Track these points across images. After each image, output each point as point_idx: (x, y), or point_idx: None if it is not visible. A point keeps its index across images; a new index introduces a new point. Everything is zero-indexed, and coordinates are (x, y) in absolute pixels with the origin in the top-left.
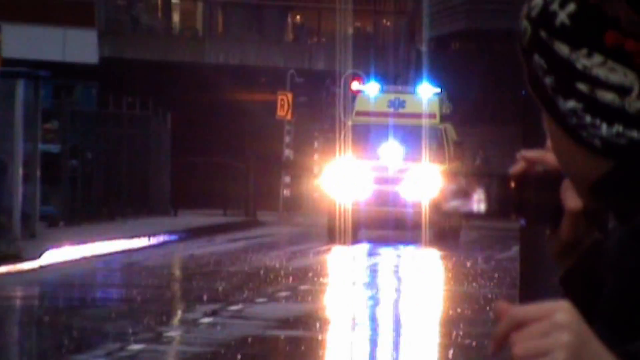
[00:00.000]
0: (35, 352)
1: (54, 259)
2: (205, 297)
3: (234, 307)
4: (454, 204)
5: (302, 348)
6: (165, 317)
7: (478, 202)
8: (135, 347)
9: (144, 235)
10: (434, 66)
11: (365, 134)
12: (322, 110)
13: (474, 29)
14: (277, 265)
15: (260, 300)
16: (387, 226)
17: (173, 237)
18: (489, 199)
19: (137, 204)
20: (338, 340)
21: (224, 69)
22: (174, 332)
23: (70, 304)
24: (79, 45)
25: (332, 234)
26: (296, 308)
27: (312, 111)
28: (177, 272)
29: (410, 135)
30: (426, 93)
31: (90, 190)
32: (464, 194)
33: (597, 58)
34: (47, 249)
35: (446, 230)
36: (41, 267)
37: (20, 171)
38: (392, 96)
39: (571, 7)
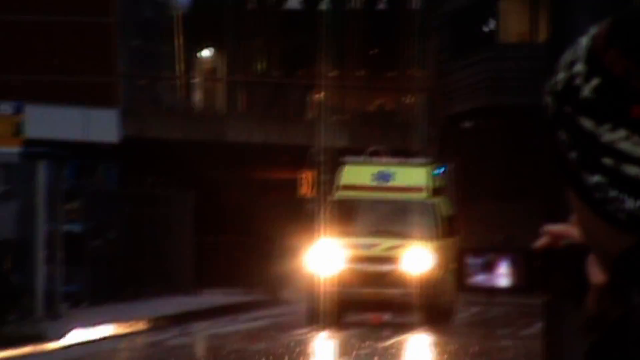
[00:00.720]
0: None
1: (78, 339)
2: None
3: None
4: (478, 279)
5: None
6: None
7: (502, 277)
8: None
9: (168, 315)
10: (456, 142)
11: (350, 210)
12: None
13: (496, 105)
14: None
15: None
16: (374, 309)
17: (196, 316)
18: (513, 274)
19: (160, 283)
20: None
21: (246, 147)
22: None
23: None
24: (100, 125)
25: (313, 318)
26: None
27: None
28: (200, 351)
29: (398, 211)
30: (416, 165)
31: (113, 269)
32: (488, 268)
33: (622, 132)
34: (71, 329)
35: (439, 311)
36: (65, 348)
37: (43, 252)
38: (378, 168)
39: (595, 81)
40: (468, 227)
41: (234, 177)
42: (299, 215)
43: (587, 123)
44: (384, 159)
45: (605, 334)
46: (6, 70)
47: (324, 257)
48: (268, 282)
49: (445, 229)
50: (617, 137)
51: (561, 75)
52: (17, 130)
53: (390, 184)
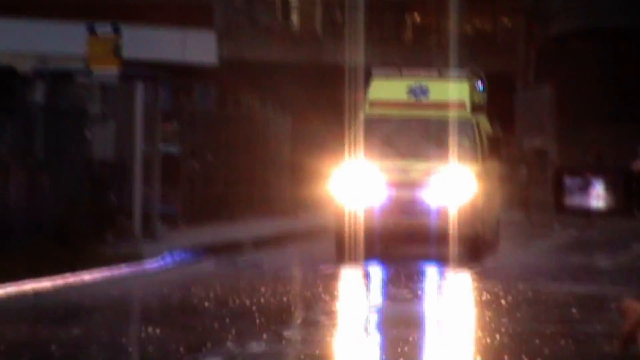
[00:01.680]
0: (155, 352)
1: (175, 259)
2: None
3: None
4: (574, 200)
5: None
6: (285, 317)
7: (599, 199)
8: (256, 347)
9: (266, 235)
10: (552, 65)
11: (380, 129)
12: None
13: (594, 27)
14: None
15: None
16: (408, 240)
17: (294, 237)
18: (610, 195)
19: (257, 205)
20: None
21: (342, 69)
22: (291, 332)
23: (192, 304)
24: (197, 47)
25: (341, 252)
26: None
27: None
28: (298, 274)
29: (434, 129)
30: (455, 78)
31: (210, 191)
32: (584, 190)
33: None
34: (167, 249)
35: (482, 241)
36: (162, 267)
37: (141, 172)
38: (412, 82)
39: None
40: (565, 150)
41: (328, 100)
42: None
43: None
44: (419, 72)
45: None
46: None
47: (350, 182)
48: None
49: (488, 151)
50: None
51: None
52: (115, 51)
53: (426, 99)
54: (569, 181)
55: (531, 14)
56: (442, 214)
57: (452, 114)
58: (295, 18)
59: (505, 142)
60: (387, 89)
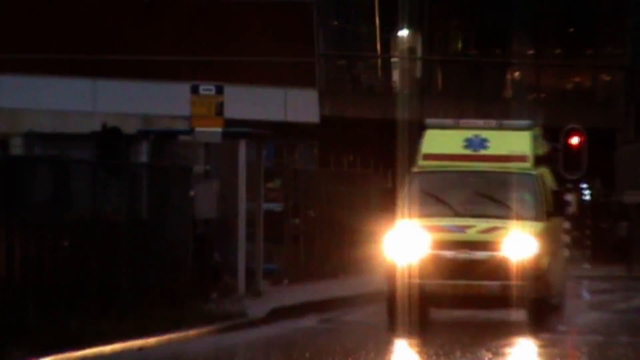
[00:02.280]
0: None
1: (279, 317)
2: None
3: None
4: None
5: None
6: None
7: None
8: None
9: (366, 293)
10: None
11: (435, 183)
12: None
13: None
14: None
15: None
16: (466, 305)
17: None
18: None
19: (359, 261)
20: None
21: None
22: None
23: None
24: (300, 105)
25: (393, 317)
26: None
27: None
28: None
29: (494, 184)
30: (516, 128)
31: (312, 248)
32: None
33: None
34: (272, 307)
35: (546, 306)
36: (267, 325)
37: (244, 230)
38: (469, 133)
39: None
40: None
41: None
42: None
43: None
44: (478, 122)
45: None
46: (208, 51)
47: (405, 244)
48: None
49: (551, 207)
50: None
51: None
52: (219, 110)
53: (485, 151)
54: None
55: (630, 69)
56: (503, 276)
57: (513, 167)
58: (396, 76)
59: (575, 197)
60: (442, 141)
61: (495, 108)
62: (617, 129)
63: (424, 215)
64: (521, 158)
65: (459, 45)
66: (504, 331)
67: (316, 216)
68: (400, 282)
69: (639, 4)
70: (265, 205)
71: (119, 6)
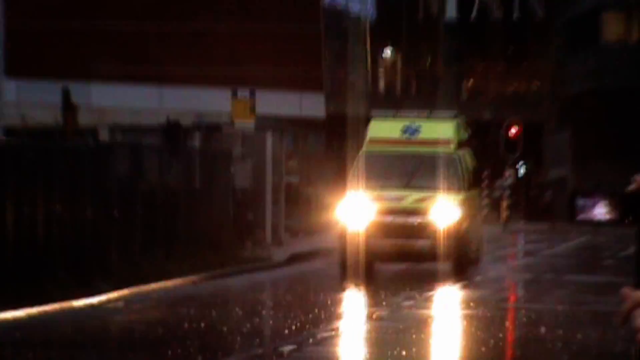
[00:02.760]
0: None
1: (296, 260)
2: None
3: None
4: (585, 214)
5: None
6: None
7: (603, 213)
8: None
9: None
10: (571, 115)
11: (378, 163)
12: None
13: (601, 88)
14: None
15: None
16: (403, 259)
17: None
18: (611, 210)
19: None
20: None
21: None
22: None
23: (314, 290)
24: (311, 105)
25: (344, 271)
26: None
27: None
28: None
29: (425, 164)
30: (442, 119)
31: (319, 210)
32: (591, 207)
33: None
34: (290, 253)
35: (467, 260)
36: (287, 266)
37: (270, 196)
38: (406, 122)
39: None
40: (579, 178)
41: None
42: None
43: None
44: (412, 113)
45: None
46: (243, 64)
47: (354, 210)
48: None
49: (470, 181)
50: None
51: None
52: (251, 109)
53: (418, 137)
54: (580, 201)
55: (553, 79)
56: (432, 236)
57: (440, 150)
58: (381, 84)
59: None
60: (384, 129)
61: (452, 106)
62: (544, 122)
63: (369, 187)
64: (446, 142)
65: (429, 61)
66: (433, 279)
67: (323, 184)
68: (350, 242)
69: (559, 31)
70: (286, 179)
71: (176, 34)
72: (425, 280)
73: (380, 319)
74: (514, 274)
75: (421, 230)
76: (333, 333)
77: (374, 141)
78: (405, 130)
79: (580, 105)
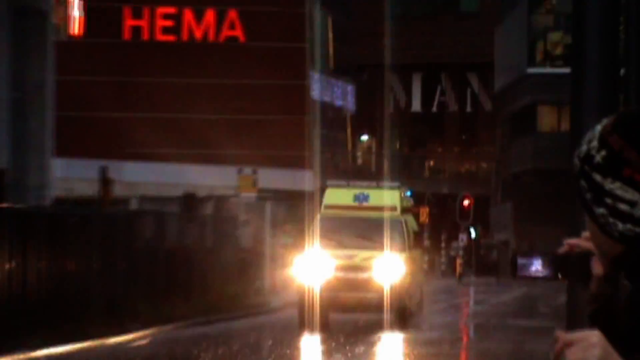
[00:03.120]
0: None
1: (288, 306)
2: None
3: None
4: (524, 271)
5: None
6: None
7: (539, 270)
8: None
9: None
10: (512, 191)
11: (332, 226)
12: None
13: (538, 168)
14: None
15: None
16: (354, 310)
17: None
18: (546, 268)
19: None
20: None
21: None
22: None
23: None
24: (302, 179)
25: (302, 320)
26: None
27: None
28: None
29: (373, 227)
30: (388, 188)
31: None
32: (529, 265)
33: (617, 184)
34: (284, 301)
35: (409, 311)
36: (281, 312)
37: (269, 253)
38: (357, 191)
39: (603, 152)
40: (520, 241)
41: None
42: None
43: (597, 177)
44: (362, 183)
45: (602, 304)
46: (248, 148)
47: (310, 267)
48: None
49: (413, 242)
50: (614, 186)
51: (583, 148)
52: (254, 183)
53: (367, 203)
54: (520, 260)
55: (498, 160)
56: (379, 290)
57: (386, 215)
58: (359, 162)
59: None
60: (338, 196)
61: (418, 183)
62: (491, 196)
63: (324, 246)
64: (392, 208)
65: (398, 145)
66: (378, 328)
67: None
68: (306, 294)
69: (504, 122)
70: (282, 239)
71: (193, 123)
72: (373, 329)
73: None
74: (466, 319)
75: (368, 285)
76: None
77: (329, 207)
78: (356, 198)
79: (520, 181)
